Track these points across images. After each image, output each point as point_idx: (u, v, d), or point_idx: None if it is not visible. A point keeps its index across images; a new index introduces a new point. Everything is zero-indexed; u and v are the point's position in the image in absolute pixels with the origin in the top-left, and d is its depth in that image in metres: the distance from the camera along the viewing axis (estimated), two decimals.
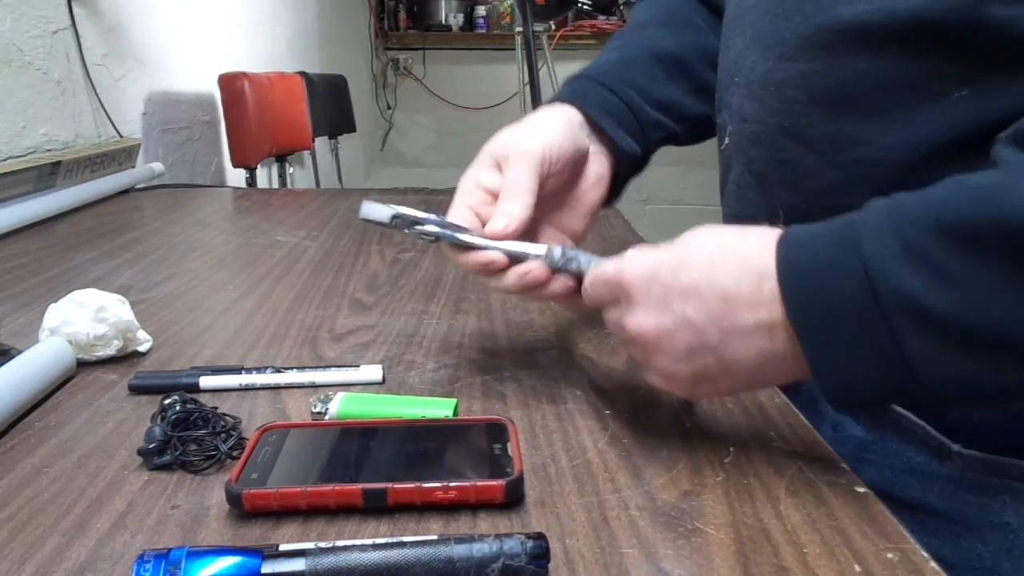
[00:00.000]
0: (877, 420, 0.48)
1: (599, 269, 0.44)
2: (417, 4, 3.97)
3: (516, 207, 0.47)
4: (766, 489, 0.38)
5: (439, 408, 0.44)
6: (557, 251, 0.45)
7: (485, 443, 0.39)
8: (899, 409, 0.47)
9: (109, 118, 1.38)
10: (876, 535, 0.34)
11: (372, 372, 0.50)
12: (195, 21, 1.85)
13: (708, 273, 0.38)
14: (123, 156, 1.33)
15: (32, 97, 1.18)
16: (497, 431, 0.40)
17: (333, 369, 0.50)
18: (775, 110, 0.49)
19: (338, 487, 0.35)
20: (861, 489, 0.38)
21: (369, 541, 0.30)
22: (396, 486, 0.35)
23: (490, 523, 0.35)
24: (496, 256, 0.46)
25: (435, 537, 0.31)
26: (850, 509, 0.36)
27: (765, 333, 0.37)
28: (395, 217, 0.47)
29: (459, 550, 0.30)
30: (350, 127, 2.72)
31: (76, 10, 1.29)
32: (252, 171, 1.91)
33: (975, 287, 0.32)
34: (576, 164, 0.53)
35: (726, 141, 0.56)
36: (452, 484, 0.35)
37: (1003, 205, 0.33)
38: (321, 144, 2.50)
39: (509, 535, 0.30)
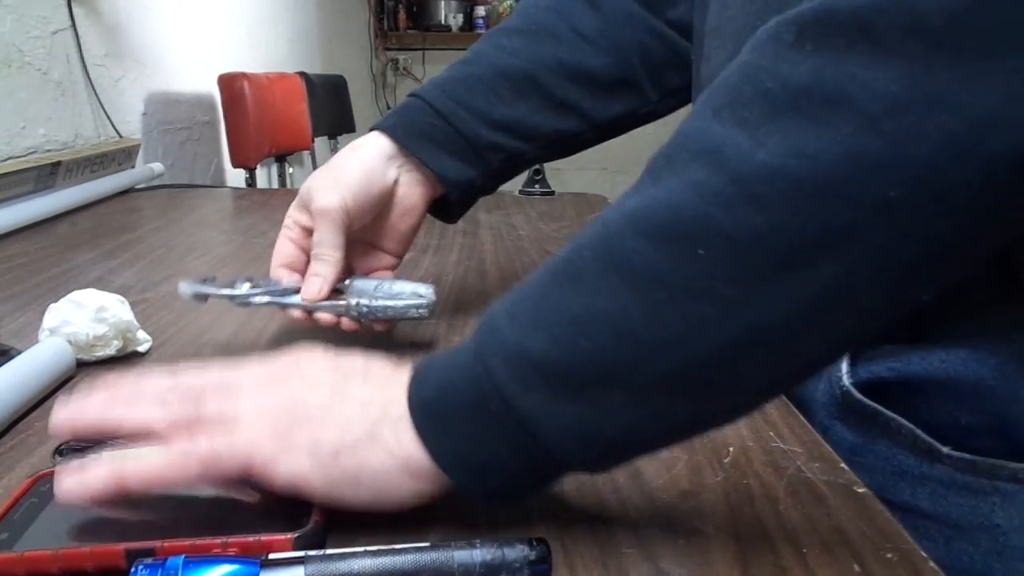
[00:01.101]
0: (867, 424, 0.49)
1: None
2: (417, 4, 3.97)
3: (325, 269, 0.54)
4: (765, 489, 0.38)
5: None
6: (355, 308, 0.53)
7: None
8: (888, 412, 0.47)
9: (109, 118, 1.38)
10: (875, 535, 0.34)
11: None
12: (195, 21, 1.85)
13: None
14: (123, 156, 1.33)
15: (32, 97, 1.18)
16: None
17: None
18: None
19: (97, 548, 0.31)
20: (860, 489, 0.38)
21: (369, 548, 0.30)
22: (166, 544, 0.31)
23: (489, 523, 0.35)
24: (299, 315, 0.54)
25: (436, 543, 0.30)
26: (849, 509, 0.36)
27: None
28: (203, 296, 0.53)
29: (460, 556, 0.30)
30: (350, 127, 2.72)
31: (76, 10, 1.29)
32: (252, 171, 1.92)
33: (564, 321, 0.30)
34: (381, 202, 0.57)
35: None
36: (232, 540, 0.31)
37: (600, 223, 0.31)
38: (321, 144, 2.50)
39: (510, 541, 0.30)
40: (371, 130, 0.59)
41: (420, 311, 0.53)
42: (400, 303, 0.53)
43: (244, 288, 0.53)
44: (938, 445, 0.45)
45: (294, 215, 0.57)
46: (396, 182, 0.57)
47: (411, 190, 0.58)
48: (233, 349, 0.56)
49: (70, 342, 0.51)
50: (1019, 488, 0.43)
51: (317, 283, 0.53)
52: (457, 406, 0.32)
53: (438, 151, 0.57)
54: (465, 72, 0.60)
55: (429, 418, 0.32)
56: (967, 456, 0.44)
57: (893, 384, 0.47)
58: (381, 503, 0.33)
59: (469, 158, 0.59)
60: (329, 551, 0.30)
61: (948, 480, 0.45)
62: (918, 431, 0.46)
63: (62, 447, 0.40)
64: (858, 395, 0.48)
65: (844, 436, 0.50)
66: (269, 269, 0.56)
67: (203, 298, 0.53)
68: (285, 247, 0.57)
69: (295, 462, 0.32)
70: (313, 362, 0.36)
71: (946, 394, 0.45)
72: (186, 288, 0.53)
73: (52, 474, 0.36)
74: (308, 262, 0.56)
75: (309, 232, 0.56)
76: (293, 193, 0.65)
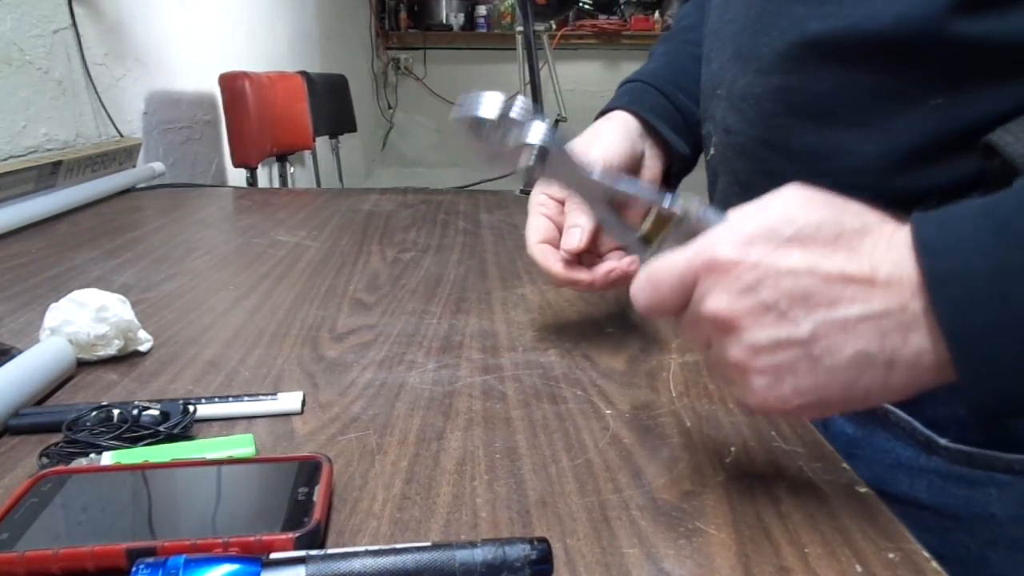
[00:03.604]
0: (866, 417, 0.49)
1: (659, 267, 0.36)
2: (418, 4, 3.97)
3: (583, 219, 0.53)
4: (767, 489, 0.38)
5: (235, 447, 0.41)
6: (695, 205, 0.38)
7: (291, 486, 0.35)
8: (887, 405, 0.47)
9: (110, 118, 1.38)
10: (877, 535, 0.34)
11: (291, 401, 0.46)
12: (196, 21, 1.85)
13: (817, 256, 0.33)
14: (124, 156, 1.33)
15: (33, 97, 1.18)
16: (308, 471, 0.36)
17: (247, 399, 0.46)
18: (756, 122, 0.50)
19: (97, 548, 0.31)
20: (862, 489, 0.38)
21: (370, 547, 0.30)
22: (167, 543, 0.31)
23: (491, 523, 0.35)
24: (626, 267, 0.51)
25: (437, 543, 0.30)
26: (851, 509, 0.36)
27: (874, 328, 0.32)
28: (503, 116, 0.38)
29: (461, 555, 0.29)
30: (351, 127, 2.72)
31: (77, 9, 1.29)
32: (253, 171, 1.92)
33: None
34: (633, 165, 0.58)
35: (711, 151, 0.57)
36: (232, 539, 0.31)
37: None
38: (322, 144, 2.50)
39: (511, 540, 0.30)
40: (601, 113, 0.62)
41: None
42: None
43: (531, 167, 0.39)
44: (936, 437, 0.45)
45: (546, 190, 0.57)
46: (643, 155, 0.60)
47: (654, 163, 0.60)
48: (234, 348, 0.56)
49: (71, 342, 0.51)
50: (1015, 479, 0.44)
51: (577, 233, 0.53)
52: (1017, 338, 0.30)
53: (666, 126, 0.60)
54: (669, 61, 0.66)
55: (974, 347, 0.31)
56: (964, 448, 0.45)
57: None
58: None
59: (684, 135, 0.62)
60: (330, 550, 0.30)
61: (945, 472, 0.46)
62: (916, 423, 0.46)
63: (49, 449, 0.40)
64: None
65: (844, 429, 0.50)
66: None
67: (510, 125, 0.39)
68: (541, 223, 0.56)
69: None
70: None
71: (944, 387, 0.45)
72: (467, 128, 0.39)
73: (52, 474, 0.36)
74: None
75: (563, 205, 0.56)
76: (294, 193, 0.65)
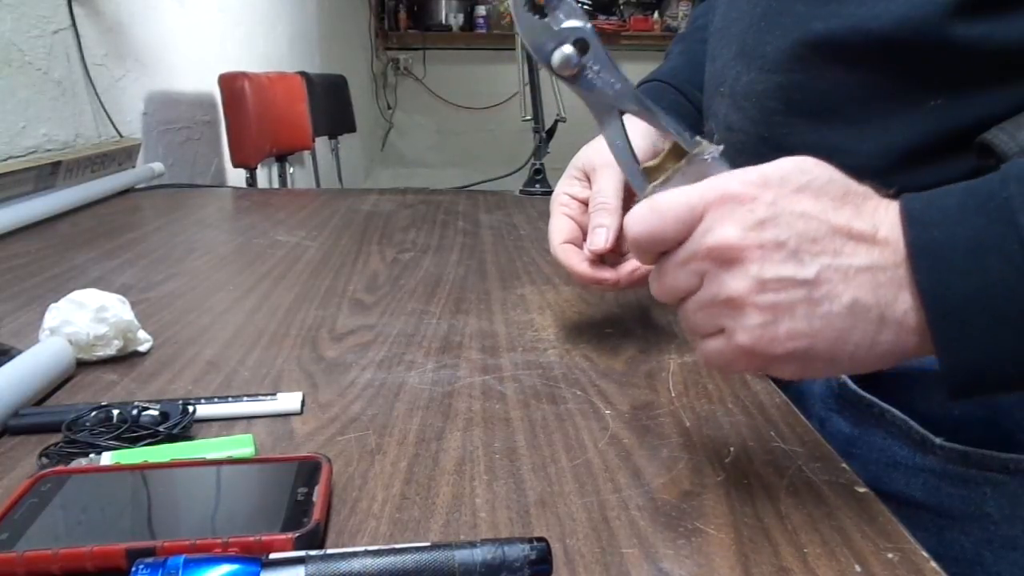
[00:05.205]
0: (863, 416, 0.49)
1: (664, 197, 0.35)
2: (417, 4, 3.97)
3: (608, 219, 0.53)
4: (766, 489, 0.38)
5: (234, 447, 0.41)
6: (714, 151, 0.38)
7: (290, 486, 0.35)
8: (883, 404, 0.48)
9: (109, 118, 1.38)
10: (876, 535, 0.34)
11: (290, 401, 0.46)
12: (195, 21, 1.85)
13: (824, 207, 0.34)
14: (123, 156, 1.33)
15: (32, 97, 1.18)
16: (308, 472, 0.36)
17: (247, 399, 0.46)
18: (757, 120, 0.51)
19: (96, 548, 0.31)
20: (861, 489, 0.38)
21: (369, 547, 0.30)
22: (167, 544, 0.31)
23: (490, 523, 0.35)
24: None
25: (436, 543, 0.30)
26: (850, 509, 0.36)
27: (871, 280, 0.33)
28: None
29: (460, 556, 0.29)
30: (350, 127, 2.72)
31: (76, 10, 1.29)
32: (252, 171, 1.92)
33: None
34: None
35: None
36: (232, 539, 0.31)
37: None
38: (321, 144, 2.50)
39: (510, 540, 0.30)
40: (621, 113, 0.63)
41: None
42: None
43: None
44: (931, 436, 0.46)
45: (568, 190, 0.58)
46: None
47: None
48: (234, 348, 0.56)
49: (70, 342, 0.51)
50: (1009, 478, 0.44)
51: (602, 233, 0.53)
52: (988, 308, 0.31)
53: (683, 125, 0.61)
54: (687, 60, 0.67)
55: (949, 312, 0.32)
56: (959, 447, 0.45)
57: (889, 376, 0.47)
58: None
59: (701, 132, 0.63)
60: (330, 551, 0.30)
61: (941, 471, 0.46)
62: (912, 422, 0.46)
63: (49, 449, 0.40)
64: (854, 387, 0.49)
65: (841, 428, 0.51)
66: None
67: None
68: (565, 224, 0.57)
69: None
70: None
71: (940, 386, 0.46)
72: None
73: (52, 474, 0.36)
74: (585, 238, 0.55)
75: (585, 204, 0.56)
76: (294, 193, 0.65)
